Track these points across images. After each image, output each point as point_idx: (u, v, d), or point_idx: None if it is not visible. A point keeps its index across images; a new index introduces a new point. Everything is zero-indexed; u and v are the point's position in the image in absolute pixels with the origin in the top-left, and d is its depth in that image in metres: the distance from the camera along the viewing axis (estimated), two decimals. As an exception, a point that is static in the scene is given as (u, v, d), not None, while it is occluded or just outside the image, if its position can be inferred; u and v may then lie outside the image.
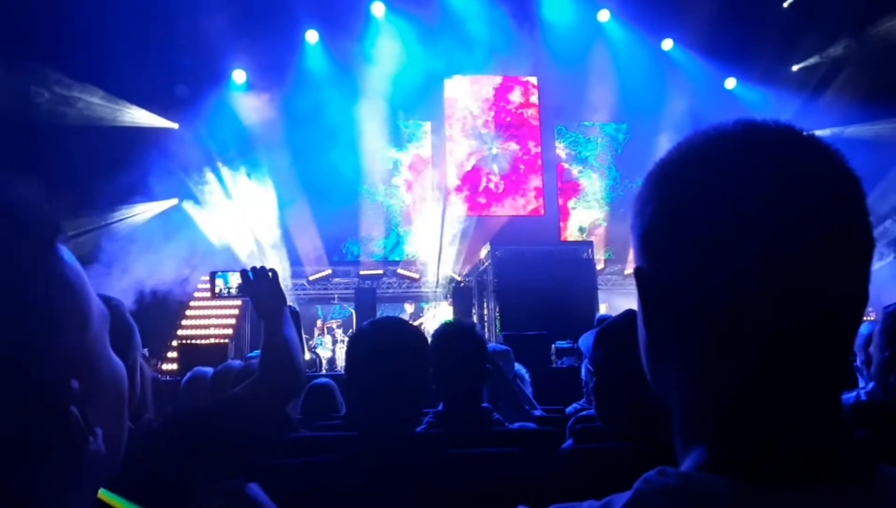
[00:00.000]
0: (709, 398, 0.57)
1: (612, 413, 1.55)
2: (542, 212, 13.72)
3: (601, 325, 1.63)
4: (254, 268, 1.73)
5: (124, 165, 10.18)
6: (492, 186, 13.63)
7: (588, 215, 14.06)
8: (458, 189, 13.51)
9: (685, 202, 0.57)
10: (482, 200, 13.56)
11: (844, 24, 11.50)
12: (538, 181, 13.81)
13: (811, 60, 12.59)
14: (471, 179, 13.62)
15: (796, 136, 0.58)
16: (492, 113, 13.88)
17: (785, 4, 12.46)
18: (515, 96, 14.03)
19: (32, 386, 0.52)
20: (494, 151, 13.74)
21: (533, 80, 13.98)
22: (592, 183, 14.18)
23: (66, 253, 0.58)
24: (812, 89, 12.21)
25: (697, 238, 0.56)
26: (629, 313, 1.57)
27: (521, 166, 13.81)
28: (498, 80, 13.90)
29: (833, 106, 11.40)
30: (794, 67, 12.93)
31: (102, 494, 0.72)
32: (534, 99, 14.02)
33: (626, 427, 1.46)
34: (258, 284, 1.71)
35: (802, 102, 12.05)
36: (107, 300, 1.50)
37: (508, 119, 13.92)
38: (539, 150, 13.93)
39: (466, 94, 13.86)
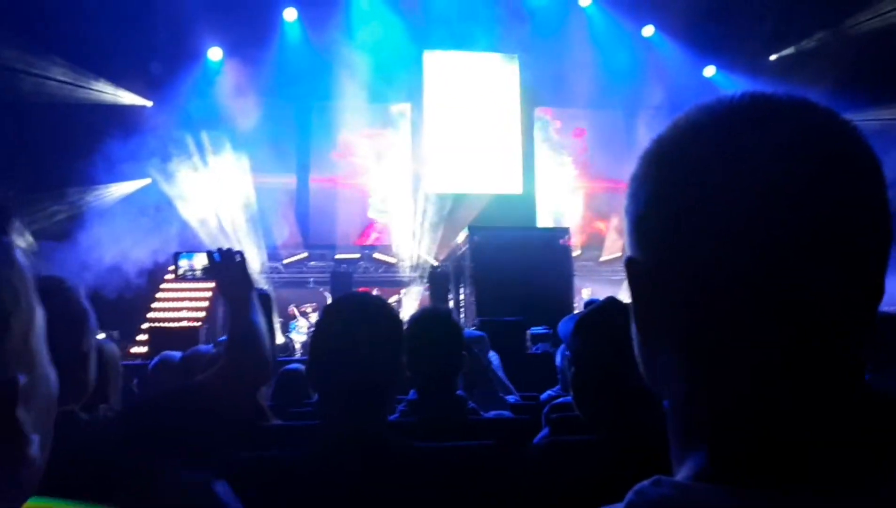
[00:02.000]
0: (708, 400, 0.51)
1: (590, 403, 1.51)
2: (520, 190, 13.69)
3: (582, 311, 1.59)
4: (220, 249, 1.65)
5: (97, 144, 9.96)
6: (470, 164, 13.57)
7: (564, 202, 14.09)
8: (436, 168, 13.43)
9: (684, 186, 0.51)
10: (461, 177, 13.50)
11: (822, 14, 11.56)
12: (517, 160, 13.76)
13: (789, 50, 12.66)
14: (448, 157, 13.54)
15: (810, 110, 0.51)
16: (472, 91, 13.78)
17: (765, -7, 12.50)
18: (496, 75, 13.95)
19: None
20: (474, 128, 13.68)
21: (514, 60, 13.91)
22: (567, 168, 14.21)
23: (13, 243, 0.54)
24: (790, 79, 12.28)
25: (697, 226, 0.50)
26: (610, 301, 1.53)
27: (500, 145, 13.77)
28: (478, 57, 13.81)
29: (810, 96, 11.48)
30: (773, 57, 13.00)
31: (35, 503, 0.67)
32: (514, 79, 13.94)
33: (605, 418, 1.43)
34: (224, 266, 1.64)
35: (781, 91, 12.11)
36: (59, 282, 1.43)
37: (488, 97, 13.83)
38: (520, 128, 13.87)
39: (446, 70, 13.75)
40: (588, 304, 4.47)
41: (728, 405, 0.50)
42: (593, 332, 1.48)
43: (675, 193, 0.52)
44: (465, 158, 13.57)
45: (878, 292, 0.50)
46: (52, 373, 0.57)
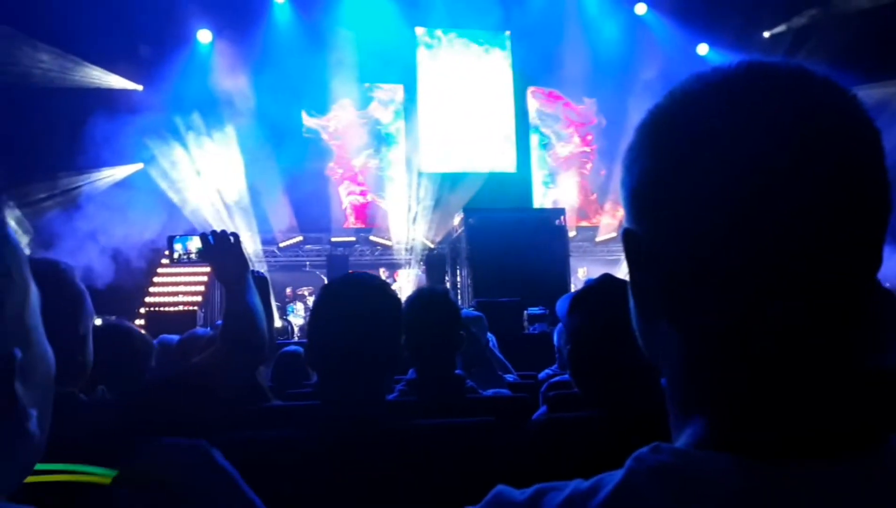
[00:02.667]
0: (706, 370, 0.52)
1: (586, 379, 1.51)
2: (514, 168, 13.69)
3: (579, 289, 1.59)
4: (214, 232, 1.64)
5: (88, 129, 9.89)
6: (463, 142, 13.54)
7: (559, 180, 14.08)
8: (430, 147, 13.39)
9: (680, 156, 0.50)
10: (455, 156, 13.48)
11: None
12: (510, 138, 13.75)
13: (781, 27, 12.61)
14: (442, 136, 13.51)
15: (807, 79, 0.50)
16: (464, 68, 13.73)
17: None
18: (488, 52, 13.90)
19: None
20: (467, 105, 13.63)
21: (506, 37, 13.83)
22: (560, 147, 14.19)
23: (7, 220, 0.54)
24: (782, 56, 12.25)
25: (694, 197, 0.49)
26: (606, 278, 1.53)
27: (493, 122, 13.73)
28: (470, 33, 13.73)
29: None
30: (766, 34, 12.95)
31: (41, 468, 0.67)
32: (506, 56, 13.87)
33: (603, 394, 1.43)
34: (219, 248, 1.63)
35: (778, 60, 12.09)
36: (54, 265, 1.42)
37: (480, 74, 13.80)
38: (512, 105, 13.85)
39: (438, 46, 13.71)
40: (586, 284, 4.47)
41: (726, 374, 0.50)
42: (589, 308, 1.49)
43: (671, 164, 0.51)
44: (458, 136, 13.55)
45: (877, 261, 0.50)
46: (49, 351, 0.57)
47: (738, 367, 0.50)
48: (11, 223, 0.54)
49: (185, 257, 1.73)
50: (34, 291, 0.55)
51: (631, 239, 0.55)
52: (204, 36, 12.00)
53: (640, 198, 0.54)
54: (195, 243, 1.72)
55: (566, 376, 2.56)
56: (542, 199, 13.88)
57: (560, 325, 3.23)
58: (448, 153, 13.44)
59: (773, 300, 0.48)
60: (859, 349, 0.50)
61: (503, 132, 13.77)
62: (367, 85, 13.08)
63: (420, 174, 12.99)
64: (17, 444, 0.50)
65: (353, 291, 1.54)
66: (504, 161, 13.70)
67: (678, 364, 0.54)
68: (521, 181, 13.67)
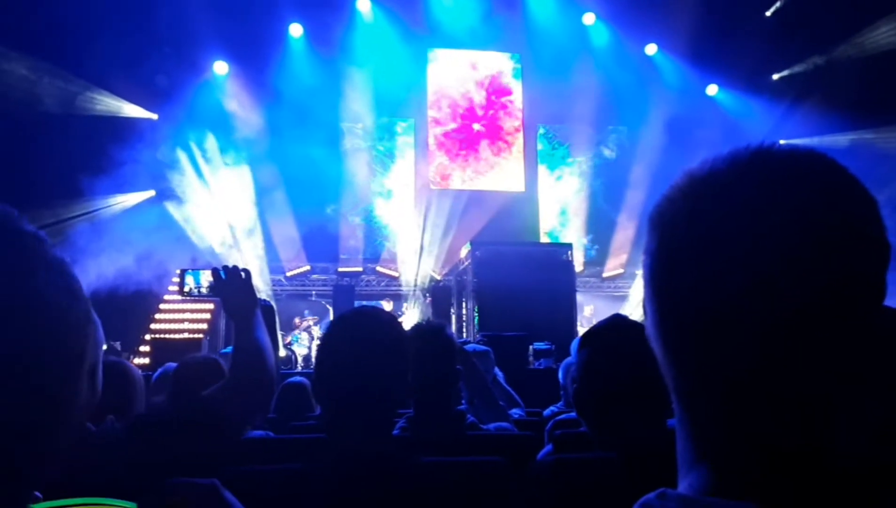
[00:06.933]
0: (715, 418, 0.53)
1: (595, 418, 1.51)
2: (524, 187, 13.77)
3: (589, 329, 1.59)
4: (226, 267, 1.66)
5: (101, 156, 10.01)
6: (473, 163, 13.69)
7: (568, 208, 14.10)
8: (439, 169, 13.54)
9: (690, 251, 0.54)
10: (465, 175, 13.62)
11: (825, 34, 11.63)
12: (519, 161, 13.89)
13: (791, 70, 12.72)
14: (451, 157, 13.67)
15: (815, 166, 0.54)
16: (476, 95, 13.90)
17: (767, 13, 12.57)
18: (499, 75, 14.10)
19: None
20: (477, 128, 13.76)
21: (517, 61, 13.99)
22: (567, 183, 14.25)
23: None
24: (792, 98, 12.34)
25: (707, 278, 0.52)
26: (618, 318, 1.54)
27: (503, 145, 13.84)
28: (482, 56, 13.94)
29: (811, 115, 11.52)
30: (775, 76, 13.05)
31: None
32: (517, 89, 14.05)
33: (612, 434, 1.43)
34: (230, 284, 1.64)
35: (782, 110, 12.18)
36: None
37: (492, 100, 13.98)
38: (521, 132, 13.98)
39: (450, 78, 13.89)
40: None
41: (735, 424, 0.52)
42: (599, 346, 1.49)
43: (682, 257, 0.55)
44: (468, 157, 13.68)
45: (882, 298, 0.53)
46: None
47: (745, 418, 0.51)
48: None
49: (197, 290, 1.74)
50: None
51: (651, 311, 0.58)
52: (220, 68, 12.19)
53: (658, 279, 0.57)
54: (207, 277, 1.74)
55: (572, 414, 2.54)
56: (553, 221, 13.93)
57: (566, 361, 3.22)
58: (456, 173, 13.58)
59: (781, 365, 0.50)
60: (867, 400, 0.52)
61: (512, 153, 13.86)
62: (382, 119, 13.26)
63: (427, 205, 13.05)
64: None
65: (362, 325, 1.54)
66: (512, 182, 13.77)
67: (687, 410, 0.55)
68: (529, 202, 13.66)
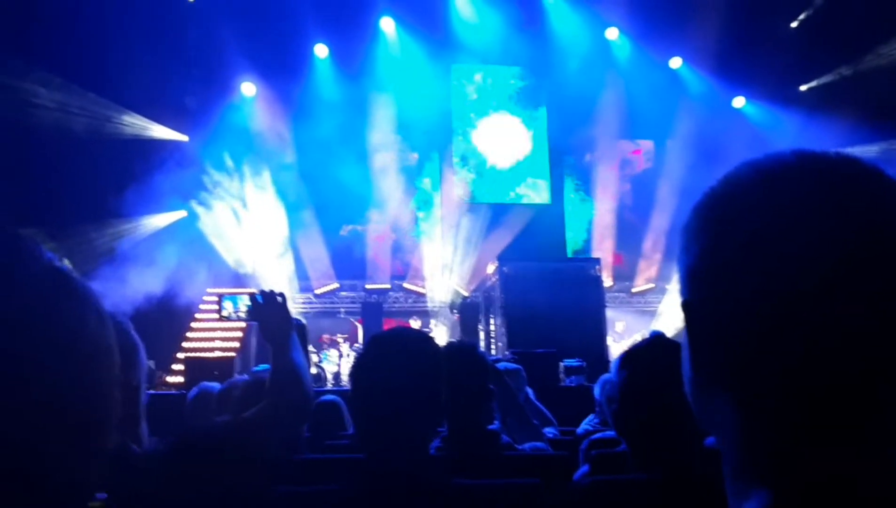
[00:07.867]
0: (765, 440, 0.53)
1: (636, 438, 1.50)
2: (548, 199, 13.79)
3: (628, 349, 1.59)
4: (262, 292, 1.70)
5: (133, 177, 10.20)
6: (498, 175, 13.80)
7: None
8: (465, 183, 13.67)
9: (735, 241, 0.54)
10: (490, 189, 13.72)
11: (851, 44, 11.50)
12: (544, 171, 13.92)
13: (819, 81, 12.58)
14: (478, 170, 13.81)
15: (861, 171, 0.54)
16: (499, 103, 14.01)
17: (793, 24, 12.47)
18: (522, 89, 14.19)
19: None
20: (501, 140, 13.87)
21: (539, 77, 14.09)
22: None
23: None
24: (819, 109, 12.19)
25: (748, 278, 0.53)
26: (657, 337, 1.54)
27: (527, 158, 13.94)
28: (505, 71, 14.04)
29: (839, 126, 11.38)
30: (802, 87, 12.91)
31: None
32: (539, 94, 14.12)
33: (654, 454, 1.41)
34: (266, 308, 1.68)
35: (810, 121, 12.03)
36: (112, 316, 1.48)
37: (515, 110, 14.11)
38: (547, 143, 14.02)
39: (473, 85, 14.00)
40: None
41: (787, 446, 0.52)
42: (640, 365, 1.49)
43: (728, 251, 0.55)
44: (494, 169, 13.78)
45: None
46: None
47: (795, 438, 0.51)
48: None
49: (235, 314, 1.78)
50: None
51: (689, 310, 0.58)
52: (248, 89, 12.39)
53: (697, 275, 0.57)
54: (245, 302, 1.78)
55: (607, 432, 2.53)
56: (576, 235, 13.87)
57: (603, 377, 3.20)
58: (483, 187, 13.65)
59: (826, 373, 0.50)
60: None
61: (536, 165, 13.88)
62: (405, 143, 13.34)
63: (456, 221, 13.06)
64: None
65: (395, 346, 1.56)
66: (537, 194, 13.76)
67: (737, 433, 0.55)
68: (555, 215, 13.62)
